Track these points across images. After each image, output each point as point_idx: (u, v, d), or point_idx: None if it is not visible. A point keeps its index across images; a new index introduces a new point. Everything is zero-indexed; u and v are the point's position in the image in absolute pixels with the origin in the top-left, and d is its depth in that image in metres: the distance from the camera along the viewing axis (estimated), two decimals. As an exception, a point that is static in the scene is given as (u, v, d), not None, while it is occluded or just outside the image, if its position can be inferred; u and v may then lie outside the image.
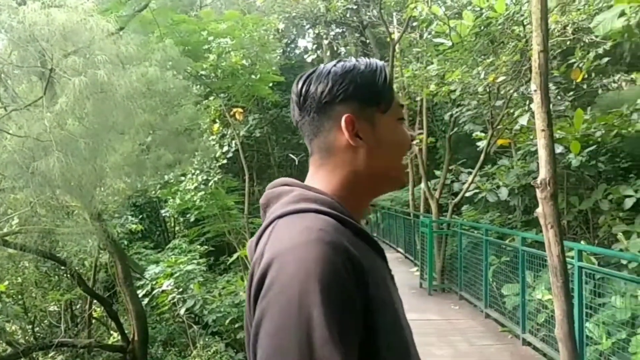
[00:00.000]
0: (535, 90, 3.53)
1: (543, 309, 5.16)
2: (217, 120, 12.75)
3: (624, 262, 5.10)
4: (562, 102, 6.61)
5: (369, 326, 0.74)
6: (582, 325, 4.33)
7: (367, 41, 16.72)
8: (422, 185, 8.88)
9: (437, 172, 9.41)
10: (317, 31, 18.03)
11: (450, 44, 6.74)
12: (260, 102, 15.65)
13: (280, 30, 16.32)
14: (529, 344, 5.19)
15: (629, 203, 6.16)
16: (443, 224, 8.20)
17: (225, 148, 12.62)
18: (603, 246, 6.24)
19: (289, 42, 21.04)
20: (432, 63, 7.25)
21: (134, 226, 11.95)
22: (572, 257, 4.45)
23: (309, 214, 0.79)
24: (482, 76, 6.02)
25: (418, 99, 9.24)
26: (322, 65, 0.93)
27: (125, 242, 12.43)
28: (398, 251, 12.17)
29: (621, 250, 5.39)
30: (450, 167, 8.74)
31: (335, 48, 18.51)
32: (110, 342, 11.09)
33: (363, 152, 0.87)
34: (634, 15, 3.77)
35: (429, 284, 7.76)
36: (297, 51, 23.88)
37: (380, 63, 0.93)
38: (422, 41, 8.45)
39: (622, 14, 3.77)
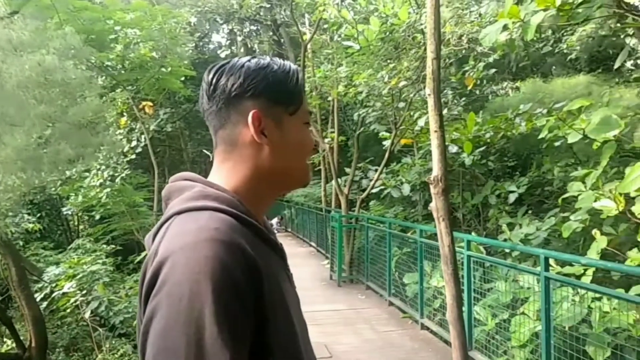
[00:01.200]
0: (429, 94, 3.87)
1: (439, 295, 5.63)
2: (124, 114, 12.22)
3: (508, 250, 5.71)
4: (456, 106, 7.20)
5: (261, 328, 0.74)
6: (471, 309, 4.80)
7: (282, 40, 16.86)
8: (333, 182, 9.23)
9: (348, 170, 9.81)
10: (230, 27, 17.85)
11: (358, 47, 7.08)
12: (172, 96, 15.21)
13: (192, 24, 15.95)
14: (427, 328, 5.64)
15: (512, 198, 6.88)
16: (352, 219, 8.60)
17: (134, 143, 12.13)
18: (491, 237, 6.90)
19: (202, 36, 20.60)
20: (341, 65, 7.57)
21: (30, 225, 11.15)
22: (463, 247, 4.93)
23: (206, 212, 0.78)
24: (386, 79, 6.42)
25: (330, 98, 9.56)
26: (236, 59, 0.92)
27: (21, 243, 11.55)
28: (311, 245, 12.53)
29: (505, 240, 6.02)
30: (359, 165, 9.16)
31: (249, 45, 18.44)
32: (3, 351, 10.27)
33: (267, 150, 0.88)
34: (515, 29, 4.20)
35: (339, 275, 8.12)
36: (211, 46, 23.42)
37: (294, 66, 0.93)
38: (333, 43, 8.77)
39: (506, 27, 4.12)
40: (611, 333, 3.57)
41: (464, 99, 7.73)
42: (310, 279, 8.61)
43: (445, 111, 7.31)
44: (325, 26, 9.03)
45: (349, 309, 6.65)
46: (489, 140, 7.21)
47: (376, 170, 8.53)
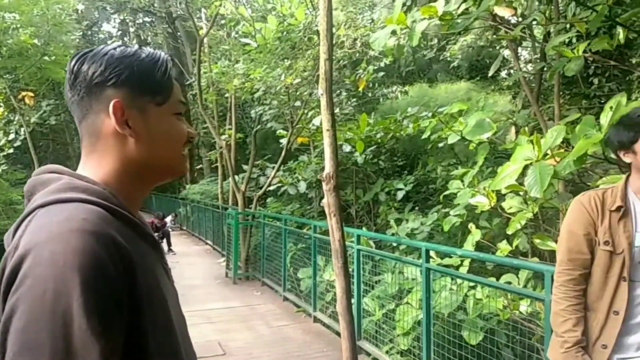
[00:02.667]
0: (322, 94, 3.99)
1: (331, 289, 5.80)
2: (0, 104, 11.04)
3: (395, 244, 6.04)
4: (350, 106, 7.47)
5: (135, 322, 0.72)
6: (360, 300, 5.01)
7: (178, 34, 16.24)
8: (230, 179, 9.11)
9: (246, 167, 9.74)
10: (122, 17, 16.83)
11: (255, 45, 7.06)
12: (56, 86, 13.98)
13: (79, 12, 14.81)
14: (320, 320, 5.80)
15: (400, 195, 7.30)
16: (248, 216, 8.56)
17: (12, 136, 11.02)
18: (381, 231, 7.27)
19: (90, 25, 19.21)
20: (239, 62, 7.49)
21: None
22: (353, 242, 5.13)
23: (73, 203, 0.74)
24: (282, 78, 6.47)
25: (227, 95, 9.41)
26: (102, 46, 0.88)
27: None
28: (207, 243, 12.26)
29: (393, 234, 6.37)
30: (257, 162, 9.13)
31: (142, 37, 17.51)
32: None
33: (132, 141, 0.85)
34: (402, 35, 4.43)
35: (234, 273, 8.04)
36: (101, 36, 21.97)
37: (164, 55, 0.90)
38: (230, 40, 8.64)
39: (394, 33, 4.31)
40: (484, 318, 3.93)
41: (354, 99, 8.03)
42: (205, 277, 8.43)
43: (338, 110, 7.55)
44: (223, 22, 8.88)
45: (244, 305, 6.62)
46: (379, 141, 7.57)
47: (274, 167, 8.57)
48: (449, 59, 9.79)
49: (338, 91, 8.07)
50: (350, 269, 5.04)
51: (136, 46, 0.90)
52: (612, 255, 1.86)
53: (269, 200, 9.30)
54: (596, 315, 1.90)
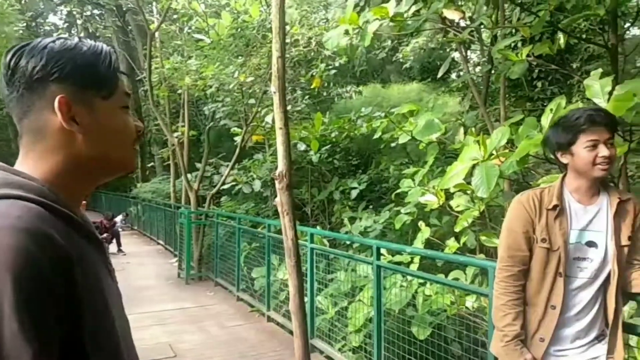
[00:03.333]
0: (274, 92, 3.96)
1: (285, 288, 5.79)
2: None
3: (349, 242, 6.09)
4: (305, 105, 7.47)
5: (74, 322, 0.69)
6: (313, 298, 5.02)
7: (129, 28, 15.70)
8: (183, 177, 8.92)
9: (199, 165, 9.56)
10: (69, 9, 16.12)
11: (209, 41, 6.94)
12: (-2, 80, 13.22)
13: (23, 2, 14.09)
14: (273, 320, 5.77)
15: (354, 194, 7.37)
16: (202, 215, 8.41)
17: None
18: (336, 230, 7.32)
19: (35, 16, 18.31)
20: (191, 58, 7.34)
21: None
22: (307, 240, 5.13)
23: (7, 200, 0.71)
24: (235, 75, 6.39)
25: (179, 91, 9.20)
26: (39, 39, 0.84)
27: None
28: (159, 243, 11.97)
29: (346, 232, 6.43)
30: (210, 161, 8.98)
31: (90, 30, 16.82)
32: None
33: (80, 138, 0.82)
34: (355, 35, 4.46)
35: (187, 273, 7.89)
36: (47, 27, 21.01)
37: (107, 48, 0.87)
38: (183, 35, 8.45)
39: (347, 33, 4.33)
40: (433, 314, 4.02)
41: (309, 98, 8.05)
42: (157, 277, 8.23)
43: (292, 108, 7.53)
44: (175, 17, 8.67)
45: (197, 306, 6.51)
46: (334, 140, 7.62)
47: (228, 166, 8.46)
48: (401, 60, 9.97)
49: (293, 90, 8.06)
50: (303, 268, 5.05)
51: (76, 39, 0.86)
52: (549, 252, 1.94)
53: (223, 199, 9.17)
54: (535, 309, 1.98)
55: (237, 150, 7.71)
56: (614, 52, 3.53)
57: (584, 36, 7.14)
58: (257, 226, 7.27)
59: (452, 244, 4.50)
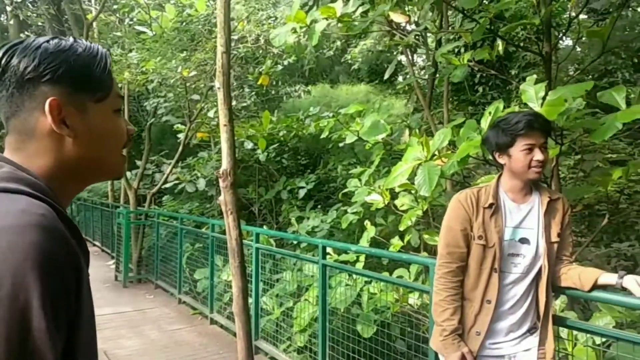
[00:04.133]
0: (218, 88, 3.87)
1: (229, 289, 5.67)
2: None
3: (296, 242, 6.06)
4: (250, 102, 7.38)
5: (72, 327, 0.69)
6: (258, 299, 4.95)
7: (65, 17, 14.90)
8: (122, 175, 8.57)
9: (140, 163, 9.22)
10: (-3, -7, 15.11)
11: (152, 34, 6.70)
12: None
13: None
14: (216, 322, 5.65)
15: (302, 193, 7.36)
16: (141, 215, 8.12)
17: None
18: (284, 230, 7.27)
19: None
20: (132, 50, 7.07)
21: None
22: (253, 240, 5.06)
23: (21, 196, 0.70)
24: (179, 70, 6.21)
25: (120, 85, 8.83)
26: (32, 38, 0.82)
27: None
28: (95, 244, 11.45)
29: (293, 232, 6.40)
30: (152, 158, 8.68)
31: (21, 17, 15.80)
32: None
33: (70, 141, 0.80)
34: (303, 34, 4.44)
35: (125, 276, 7.58)
36: (-30, 13, 19.61)
37: (102, 50, 0.86)
38: (123, 27, 8.12)
39: (294, 31, 4.31)
40: (378, 312, 4.05)
41: (258, 96, 7.96)
42: (92, 281, 7.58)
43: (237, 105, 7.41)
44: (115, 7, 8.32)
45: (135, 310, 6.26)
46: (282, 139, 7.57)
47: (170, 163, 8.21)
48: (350, 61, 10.07)
49: (240, 87, 7.94)
50: (249, 269, 4.97)
51: (71, 39, 0.84)
52: (485, 248, 2.00)
53: (165, 198, 8.89)
54: (471, 304, 2.03)
55: (181, 148, 7.50)
56: (548, 60, 3.70)
57: (521, 44, 7.48)
58: (201, 226, 7.11)
59: (396, 242, 4.58)
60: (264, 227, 7.06)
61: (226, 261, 5.91)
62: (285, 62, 7.65)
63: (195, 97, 7.02)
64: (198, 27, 6.50)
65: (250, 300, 4.81)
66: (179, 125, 7.80)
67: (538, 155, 1.93)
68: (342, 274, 4.24)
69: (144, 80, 6.69)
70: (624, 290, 1.90)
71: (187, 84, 6.93)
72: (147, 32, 6.75)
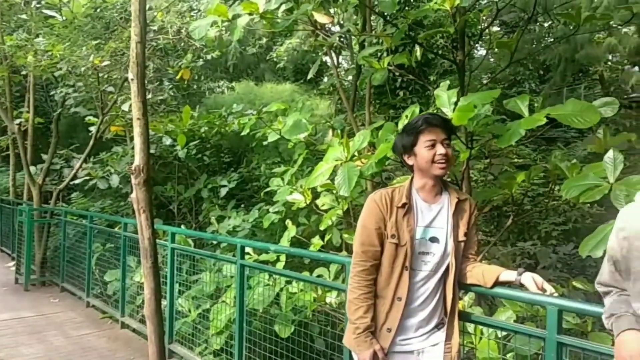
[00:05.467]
0: (132, 79, 3.66)
1: (142, 291, 5.41)
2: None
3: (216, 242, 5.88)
4: (169, 95, 7.10)
5: None
6: (173, 301, 4.75)
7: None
8: (25, 170, 7.89)
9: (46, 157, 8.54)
10: None
11: (62, 19, 6.22)
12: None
13: None
14: (128, 326, 5.36)
15: (224, 192, 7.19)
16: (46, 212, 7.53)
17: None
18: (204, 229, 7.05)
19: None
20: (39, 35, 6.52)
21: None
22: (168, 240, 4.84)
23: None
24: (90, 58, 5.82)
25: (23, 72, 8.12)
26: None
27: None
28: (-7, 245, 10.50)
29: (213, 232, 6.23)
30: (61, 152, 8.09)
31: None
32: None
33: None
34: (224, 28, 4.32)
35: (26, 278, 6.99)
36: None
37: None
38: (30, 9, 7.48)
39: (216, 24, 4.17)
40: (297, 312, 4.03)
41: (177, 90, 7.66)
42: None
43: (151, 97, 7.09)
44: (21, -13, 7.64)
45: (37, 315, 5.78)
46: (203, 135, 7.35)
47: (80, 158, 7.68)
48: (275, 59, 10.00)
49: (159, 80, 7.61)
50: (165, 270, 4.76)
51: None
52: (398, 247, 2.04)
53: (74, 195, 8.31)
54: (383, 302, 2.06)
55: (92, 142, 7.04)
56: (462, 67, 3.87)
57: (440, 52, 7.82)
58: (113, 225, 6.72)
59: (316, 241, 4.59)
60: (183, 226, 6.81)
61: (140, 262, 5.62)
62: (208, 57, 7.43)
63: (110, 88, 6.62)
64: (113, 15, 6.13)
65: (165, 302, 4.61)
66: (90, 117, 7.32)
67: (440, 150, 2.02)
68: (262, 274, 4.17)
69: (50, 65, 6.17)
70: (522, 286, 2.01)
71: (100, 74, 6.51)
72: (57, 17, 6.26)
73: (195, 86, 7.87)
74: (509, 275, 2.04)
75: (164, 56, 7.38)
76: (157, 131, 7.07)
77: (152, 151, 6.63)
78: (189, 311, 4.76)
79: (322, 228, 4.58)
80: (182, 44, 7.28)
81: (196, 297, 4.86)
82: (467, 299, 3.16)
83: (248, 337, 3.87)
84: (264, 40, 9.71)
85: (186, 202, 7.76)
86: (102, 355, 4.61)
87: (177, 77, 6.76)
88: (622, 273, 1.53)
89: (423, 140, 2.04)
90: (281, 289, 4.22)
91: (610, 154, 2.65)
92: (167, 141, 7.04)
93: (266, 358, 3.79)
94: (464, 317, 2.26)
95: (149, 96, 6.36)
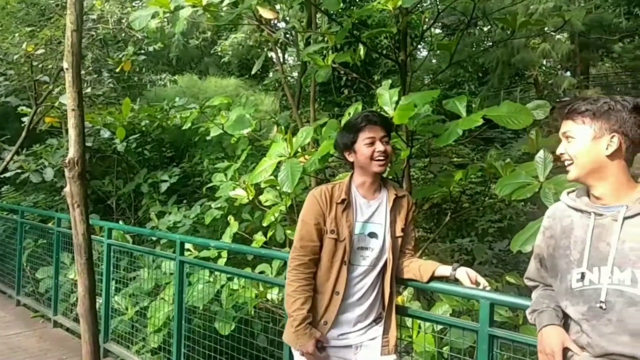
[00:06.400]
0: (67, 69, 3.50)
1: (76, 289, 5.19)
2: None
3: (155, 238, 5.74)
4: (105, 86, 6.85)
5: None
6: (109, 299, 4.59)
7: None
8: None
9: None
10: None
11: (-10, 2, 5.85)
12: None
13: None
14: (61, 325, 5.14)
15: (164, 187, 7.01)
16: (-28, 207, 7.06)
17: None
18: (144, 225, 6.84)
19: None
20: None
21: None
22: (104, 236, 4.67)
23: None
24: (23, 46, 5.51)
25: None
26: None
27: None
28: None
29: (152, 228, 6.06)
30: (-12, 143, 7.60)
31: None
32: None
33: None
34: (166, 19, 4.21)
35: (-52, 278, 6.53)
36: None
37: None
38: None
39: (157, 15, 4.06)
40: (238, 309, 3.99)
41: (117, 82, 7.39)
42: None
43: (91, 90, 6.81)
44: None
45: (-41, 316, 5.43)
46: (144, 129, 7.13)
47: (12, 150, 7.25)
48: (220, 53, 9.84)
49: (98, 71, 7.31)
50: (101, 267, 4.60)
51: None
52: (337, 242, 2.08)
53: (4, 189, 7.84)
54: (322, 296, 2.10)
55: (24, 133, 6.66)
56: (404, 67, 3.98)
57: (383, 52, 7.98)
58: (47, 221, 6.39)
59: (258, 237, 4.58)
60: (121, 222, 6.59)
61: (74, 259, 5.39)
62: (151, 48, 7.22)
63: (45, 78, 6.28)
64: (49, 2, 5.82)
65: (100, 300, 4.45)
66: (23, 107, 6.91)
67: (379, 147, 2.07)
68: (203, 271, 4.11)
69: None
70: (457, 281, 2.10)
71: (34, 63, 6.17)
72: (-16, 0, 5.88)
73: (136, 78, 7.61)
74: (444, 270, 2.12)
75: (104, 47, 7.10)
76: (95, 123, 6.78)
77: (88, 144, 6.38)
78: (126, 309, 4.62)
79: (265, 224, 4.57)
80: (123, 35, 7.03)
81: (134, 295, 4.72)
82: (407, 294, 3.25)
83: (188, 334, 3.81)
84: (209, 33, 9.54)
85: (125, 197, 7.50)
86: (33, 355, 4.39)
87: (118, 68, 6.52)
88: (547, 270, 1.58)
89: (363, 138, 2.08)
90: (222, 286, 4.18)
91: (540, 154, 2.79)
92: (106, 134, 6.77)
93: (207, 356, 3.75)
94: (402, 311, 2.32)
95: (88, 88, 6.10)
